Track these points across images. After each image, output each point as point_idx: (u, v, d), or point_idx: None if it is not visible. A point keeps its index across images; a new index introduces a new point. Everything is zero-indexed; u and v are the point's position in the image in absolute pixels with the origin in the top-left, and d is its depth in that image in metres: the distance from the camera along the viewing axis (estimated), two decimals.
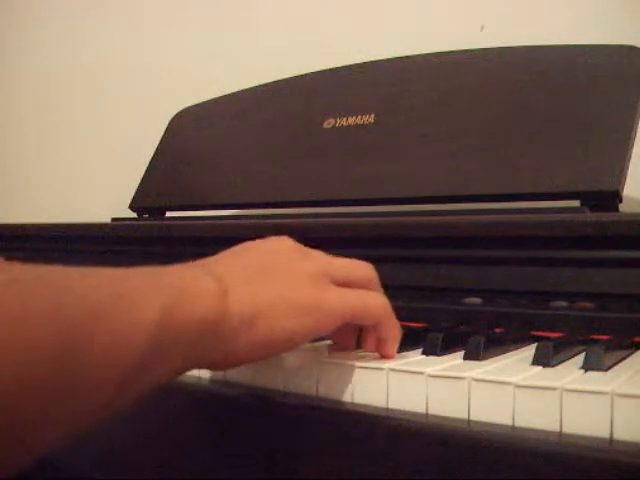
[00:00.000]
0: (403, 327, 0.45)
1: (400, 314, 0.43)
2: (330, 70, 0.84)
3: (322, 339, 0.48)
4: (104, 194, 1.33)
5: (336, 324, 0.40)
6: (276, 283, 0.38)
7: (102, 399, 0.30)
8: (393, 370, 0.38)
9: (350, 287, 0.41)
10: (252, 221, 0.76)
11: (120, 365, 0.30)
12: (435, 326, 0.52)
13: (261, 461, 0.40)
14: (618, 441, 0.31)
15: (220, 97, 0.96)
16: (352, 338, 0.45)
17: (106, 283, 0.31)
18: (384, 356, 0.42)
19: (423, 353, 0.43)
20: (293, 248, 0.42)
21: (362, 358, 0.42)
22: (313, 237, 0.50)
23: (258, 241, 0.43)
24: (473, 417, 0.35)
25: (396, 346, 0.42)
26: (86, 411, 0.30)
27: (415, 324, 0.53)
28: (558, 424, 0.33)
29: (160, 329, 0.31)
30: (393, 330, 0.42)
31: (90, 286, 0.30)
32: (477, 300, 0.54)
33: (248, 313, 0.36)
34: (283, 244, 0.42)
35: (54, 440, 0.29)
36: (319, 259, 0.42)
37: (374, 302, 0.41)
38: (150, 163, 0.98)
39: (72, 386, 0.28)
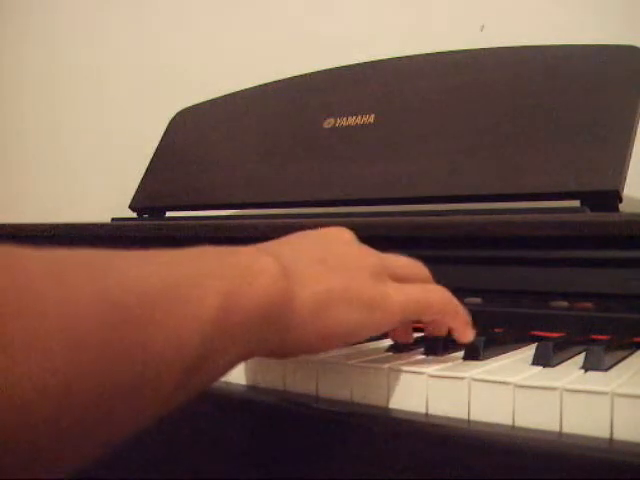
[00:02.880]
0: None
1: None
2: (330, 70, 0.84)
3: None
4: (104, 194, 1.33)
5: (399, 321, 0.39)
6: (339, 273, 0.36)
7: (160, 395, 0.28)
8: (393, 370, 0.38)
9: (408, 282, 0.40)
10: (252, 221, 0.76)
11: (179, 360, 0.27)
12: None
13: (259, 461, 0.40)
14: (618, 441, 0.31)
15: (220, 97, 0.96)
16: (410, 334, 0.45)
17: (155, 270, 0.28)
18: (462, 340, 0.42)
19: (423, 353, 0.43)
20: (351, 239, 0.41)
21: (362, 358, 0.41)
22: None
23: (314, 230, 0.41)
24: (473, 417, 0.35)
25: (470, 328, 0.42)
26: (144, 408, 0.27)
27: (416, 324, 0.53)
28: (558, 424, 0.33)
29: (220, 318, 0.29)
30: (460, 318, 0.41)
31: (140, 275, 0.28)
32: (477, 300, 0.54)
33: (314, 300, 0.34)
34: (341, 234, 0.41)
35: (111, 441, 0.27)
36: (376, 253, 0.40)
37: (436, 295, 0.41)
38: (150, 163, 0.98)
39: (126, 382, 0.25)
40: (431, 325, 0.44)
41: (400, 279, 0.40)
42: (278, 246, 0.37)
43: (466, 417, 0.35)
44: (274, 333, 0.33)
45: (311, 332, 0.35)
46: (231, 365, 0.32)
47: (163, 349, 0.27)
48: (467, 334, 0.42)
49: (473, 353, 0.41)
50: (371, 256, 0.40)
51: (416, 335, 0.47)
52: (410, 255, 0.42)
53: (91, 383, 0.24)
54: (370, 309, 0.37)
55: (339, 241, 0.40)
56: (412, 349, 0.45)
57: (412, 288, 0.40)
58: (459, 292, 0.54)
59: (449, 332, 0.43)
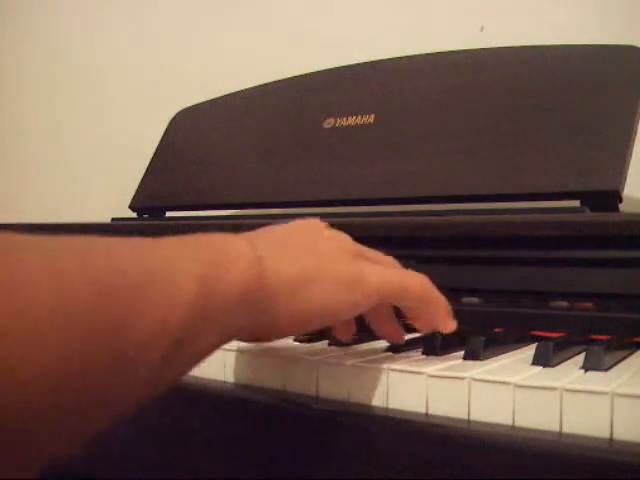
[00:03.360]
0: (402, 327, 0.45)
1: (400, 314, 0.43)
2: (330, 70, 0.84)
3: (320, 339, 0.48)
4: (104, 194, 1.33)
5: (375, 302, 0.39)
6: (313, 255, 0.37)
7: (143, 377, 0.28)
8: (393, 370, 0.38)
9: None
10: (252, 221, 0.75)
11: (159, 340, 0.28)
12: None
13: (259, 461, 0.40)
14: (618, 441, 0.31)
15: (220, 97, 0.96)
16: (395, 325, 0.44)
17: (137, 256, 0.29)
18: (446, 330, 0.41)
19: (423, 353, 0.43)
20: (324, 227, 0.41)
21: (362, 358, 0.41)
22: None
23: (286, 223, 0.41)
24: (473, 417, 0.35)
25: (451, 317, 0.41)
26: (128, 391, 0.28)
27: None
28: (558, 424, 0.33)
29: (199, 301, 0.29)
30: (438, 307, 0.41)
31: (121, 257, 0.28)
32: (477, 300, 0.54)
33: (289, 282, 0.35)
34: (315, 223, 0.41)
35: (97, 424, 0.27)
36: (351, 239, 0.41)
37: (414, 280, 0.40)
38: (150, 163, 0.98)
39: (111, 365, 0.26)
40: (410, 313, 0.42)
41: (377, 265, 0.40)
42: (252, 235, 0.38)
43: (466, 417, 0.35)
44: (252, 317, 0.33)
45: (287, 314, 0.35)
46: (211, 348, 0.33)
47: (143, 331, 0.27)
48: (448, 323, 0.41)
49: (473, 353, 0.41)
50: (346, 240, 0.40)
51: (415, 335, 0.47)
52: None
53: (81, 362, 0.25)
54: (346, 288, 0.37)
55: (311, 229, 0.41)
56: (411, 349, 0.45)
57: (389, 270, 0.40)
58: (459, 292, 0.54)
59: (429, 323, 0.42)
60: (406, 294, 0.40)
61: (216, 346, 0.33)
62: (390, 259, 0.43)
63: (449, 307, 0.42)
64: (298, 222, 0.42)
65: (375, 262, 0.40)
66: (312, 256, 0.37)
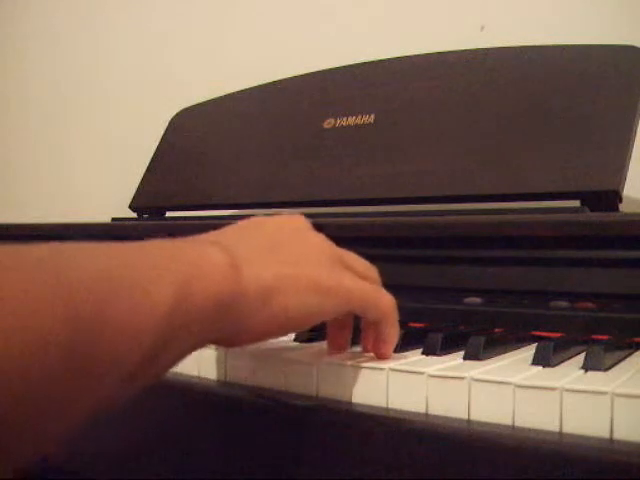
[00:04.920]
0: (403, 327, 0.45)
1: (400, 314, 0.43)
2: (330, 70, 0.84)
3: (322, 339, 0.48)
4: (104, 194, 1.33)
5: (347, 309, 0.39)
6: (293, 260, 0.37)
7: (112, 386, 0.29)
8: (393, 370, 0.38)
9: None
10: None
11: (132, 352, 0.28)
12: (435, 326, 0.52)
13: (260, 461, 0.40)
14: (618, 441, 0.31)
15: (220, 97, 0.96)
16: (348, 337, 0.45)
17: (114, 263, 0.30)
18: (380, 356, 0.42)
19: (423, 353, 0.43)
20: (306, 226, 0.41)
21: (362, 358, 0.41)
22: None
23: (268, 217, 0.41)
24: (473, 417, 0.35)
25: (392, 347, 0.42)
26: (96, 397, 0.28)
27: (415, 324, 0.53)
28: (558, 424, 0.33)
29: (174, 309, 0.30)
30: (394, 332, 0.42)
31: (97, 268, 0.29)
32: (477, 300, 0.54)
33: (263, 288, 0.35)
34: (295, 221, 0.41)
35: (70, 425, 0.28)
36: (332, 244, 0.41)
37: (386, 298, 0.41)
38: (150, 163, 0.98)
39: (85, 373, 0.26)
40: (367, 326, 0.43)
41: (355, 274, 0.40)
42: (231, 234, 0.38)
43: (466, 417, 0.35)
44: (226, 323, 0.34)
45: (261, 319, 0.35)
46: (186, 353, 0.33)
47: (117, 343, 0.27)
48: (388, 351, 0.42)
49: (473, 353, 0.41)
50: (325, 244, 0.40)
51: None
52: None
53: (52, 374, 0.25)
54: (324, 294, 0.37)
55: (292, 227, 0.41)
56: (411, 349, 0.45)
57: (365, 283, 0.40)
58: (460, 292, 0.54)
59: (377, 342, 0.42)
60: (376, 309, 0.41)
61: (190, 351, 0.34)
62: (368, 265, 0.43)
63: (398, 338, 0.42)
64: (283, 219, 0.41)
65: (354, 268, 0.41)
66: (290, 260, 0.37)
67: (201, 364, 0.46)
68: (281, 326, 0.37)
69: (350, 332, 0.45)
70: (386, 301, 0.41)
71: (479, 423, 0.35)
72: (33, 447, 0.26)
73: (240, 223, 0.40)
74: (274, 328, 0.37)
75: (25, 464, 0.26)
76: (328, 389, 0.40)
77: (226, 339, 0.36)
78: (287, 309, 0.36)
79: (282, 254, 0.37)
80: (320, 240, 0.41)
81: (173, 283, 0.30)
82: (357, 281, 0.40)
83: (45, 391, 0.25)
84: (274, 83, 0.90)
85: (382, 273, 0.44)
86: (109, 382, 0.28)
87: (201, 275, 0.32)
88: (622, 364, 0.40)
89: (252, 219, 0.41)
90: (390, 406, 0.38)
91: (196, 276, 0.31)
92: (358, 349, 0.46)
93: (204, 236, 0.37)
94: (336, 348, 0.45)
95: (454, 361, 0.41)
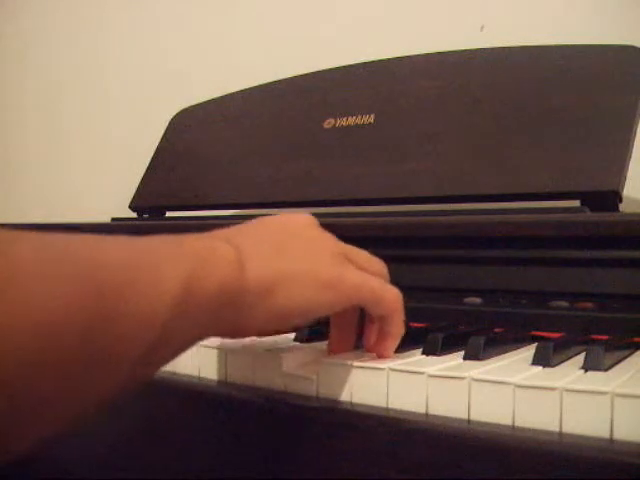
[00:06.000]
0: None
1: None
2: (330, 70, 0.84)
3: (322, 339, 0.48)
4: (104, 194, 1.33)
5: (351, 303, 0.40)
6: (296, 255, 0.38)
7: (124, 371, 0.30)
8: (393, 370, 0.38)
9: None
10: None
11: (143, 337, 0.30)
12: (435, 326, 0.52)
13: (260, 461, 0.40)
14: (618, 441, 0.31)
15: (220, 97, 0.96)
16: (350, 339, 0.45)
17: (126, 253, 0.31)
18: (382, 353, 0.42)
19: (423, 353, 0.43)
20: (313, 224, 0.42)
21: (362, 358, 0.41)
22: None
23: (276, 216, 0.43)
24: (473, 417, 0.35)
25: (396, 345, 0.42)
26: (108, 383, 0.30)
27: (415, 324, 0.53)
28: (558, 424, 0.33)
29: (182, 300, 0.31)
30: (399, 327, 0.42)
31: (120, 255, 0.30)
32: (477, 300, 0.54)
33: (266, 281, 0.36)
34: (302, 219, 0.42)
35: (74, 413, 0.29)
36: (337, 240, 0.42)
37: (391, 293, 0.41)
38: (150, 163, 0.98)
39: (96, 357, 0.28)
40: (371, 320, 0.43)
41: (360, 269, 0.41)
42: (237, 234, 0.39)
43: (466, 417, 0.35)
44: (229, 315, 0.35)
45: (265, 312, 0.36)
46: (190, 344, 0.35)
47: (129, 327, 0.29)
48: (390, 347, 0.42)
49: (473, 353, 0.41)
50: (330, 240, 0.41)
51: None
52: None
53: (67, 355, 0.26)
54: (326, 288, 0.38)
55: (298, 225, 0.42)
56: (411, 349, 0.45)
57: (370, 277, 0.41)
58: (460, 292, 0.54)
59: (380, 339, 0.42)
60: (381, 303, 0.41)
61: (193, 342, 0.35)
62: (375, 260, 0.43)
63: (402, 334, 0.42)
64: (290, 218, 0.42)
65: (359, 264, 0.41)
66: (292, 256, 0.38)
67: (202, 364, 0.46)
68: (282, 318, 0.38)
69: (353, 334, 0.45)
70: (391, 295, 0.41)
71: (479, 423, 0.35)
72: (46, 428, 0.27)
73: (249, 222, 0.41)
74: (276, 321, 0.38)
75: (35, 447, 0.27)
76: (328, 389, 0.40)
77: (230, 331, 0.37)
78: (287, 302, 0.37)
79: (286, 251, 0.38)
80: (324, 237, 0.41)
81: (180, 275, 0.32)
82: (360, 275, 0.40)
83: (62, 372, 0.26)
84: (274, 83, 0.90)
85: None
86: (124, 366, 0.29)
87: (208, 268, 0.33)
88: (622, 364, 0.40)
89: (260, 218, 0.42)
90: (390, 406, 0.38)
91: (203, 269, 0.33)
92: (357, 350, 0.46)
93: (214, 232, 0.38)
94: (336, 348, 0.45)
95: (454, 361, 0.41)
